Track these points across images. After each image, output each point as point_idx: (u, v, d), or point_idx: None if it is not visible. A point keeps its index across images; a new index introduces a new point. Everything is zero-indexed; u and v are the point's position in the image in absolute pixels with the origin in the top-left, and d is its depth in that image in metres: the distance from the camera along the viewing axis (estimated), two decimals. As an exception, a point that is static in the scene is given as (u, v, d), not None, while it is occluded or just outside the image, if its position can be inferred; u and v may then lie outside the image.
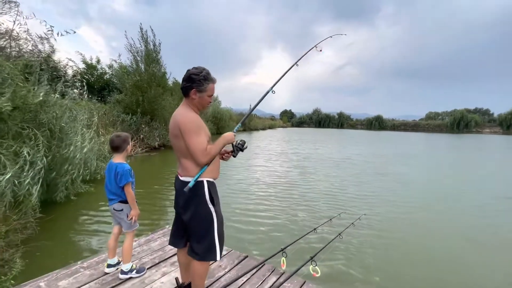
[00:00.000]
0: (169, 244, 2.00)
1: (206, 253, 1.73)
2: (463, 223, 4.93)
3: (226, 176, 8.40)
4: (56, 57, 13.31)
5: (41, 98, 5.11)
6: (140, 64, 15.13)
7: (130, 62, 15.20)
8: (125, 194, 2.24)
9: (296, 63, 2.14)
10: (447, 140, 31.09)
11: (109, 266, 2.34)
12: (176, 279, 2.04)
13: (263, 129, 47.31)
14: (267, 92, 1.98)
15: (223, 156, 1.92)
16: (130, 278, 2.25)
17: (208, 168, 1.70)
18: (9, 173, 3.46)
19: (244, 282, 2.26)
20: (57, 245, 3.62)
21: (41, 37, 6.51)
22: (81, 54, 18.31)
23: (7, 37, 5.73)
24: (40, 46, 8.18)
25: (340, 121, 77.70)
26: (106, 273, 2.31)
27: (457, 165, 12.81)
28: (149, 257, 2.62)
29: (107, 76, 19.64)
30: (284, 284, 2.20)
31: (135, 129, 14.09)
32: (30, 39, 6.43)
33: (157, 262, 2.54)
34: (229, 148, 1.86)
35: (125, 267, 2.25)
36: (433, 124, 66.52)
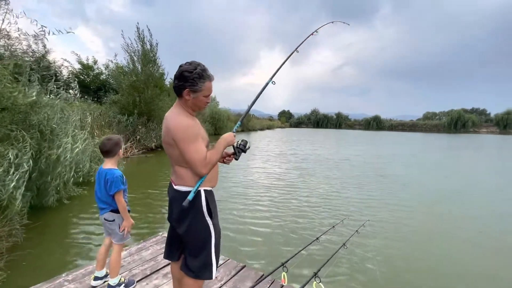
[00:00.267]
0: (164, 257, 1.83)
1: (201, 271, 1.56)
2: (469, 228, 4.78)
3: (222, 178, 8.22)
4: (51, 57, 13.14)
5: (32, 99, 4.94)
6: (137, 65, 14.94)
7: (126, 62, 15.00)
8: (116, 203, 2.07)
9: (296, 49, 2.00)
10: (445, 140, 31.11)
11: (96, 278, 2.18)
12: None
13: (261, 129, 47.16)
14: (267, 83, 1.83)
15: (224, 160, 1.74)
16: (118, 292, 2.09)
17: (207, 176, 1.53)
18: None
19: (241, 296, 2.11)
20: (43, 254, 3.43)
21: (34, 36, 6.31)
22: (76, 54, 18.09)
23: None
24: (34, 46, 7.97)
25: (338, 122, 77.70)
26: (93, 287, 2.14)
27: (456, 166, 12.73)
28: (140, 268, 2.46)
29: (103, 76, 19.41)
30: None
31: (132, 130, 13.90)
32: (24, 39, 6.23)
33: (148, 273, 2.37)
34: (229, 150, 1.69)
35: (113, 281, 2.08)
36: (430, 124, 66.72)
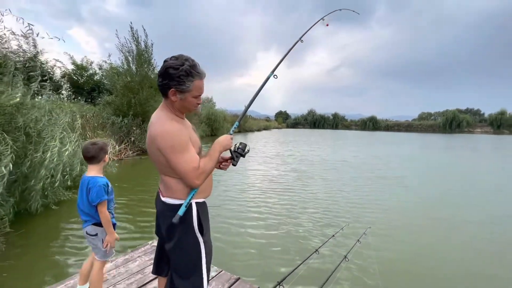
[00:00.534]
0: (152, 272, 1.65)
1: None
2: (473, 232, 4.63)
3: (214, 181, 8.01)
4: (43, 58, 12.86)
5: (16, 100, 4.73)
6: (132, 65, 14.70)
7: (121, 62, 14.75)
8: (99, 215, 1.87)
9: (300, 38, 1.83)
10: (441, 140, 31.25)
11: (77, 295, 2.00)
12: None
13: (258, 130, 47.00)
14: (269, 77, 1.66)
15: (221, 166, 1.56)
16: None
17: (200, 187, 1.36)
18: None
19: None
20: (25, 265, 3.20)
21: (23, 36, 6.09)
22: (69, 54, 17.78)
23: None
24: (25, 46, 7.73)
25: (335, 122, 77.96)
26: (73, 305, 1.96)
27: (457, 166, 12.68)
28: (126, 282, 2.28)
29: (97, 77, 19.12)
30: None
31: (126, 131, 13.65)
32: (13, 38, 6.02)
33: (134, 288, 2.20)
34: (226, 154, 1.51)
35: (93, 299, 1.90)
36: (426, 124, 67.22)
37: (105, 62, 17.03)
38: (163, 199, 1.39)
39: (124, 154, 12.51)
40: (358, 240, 2.53)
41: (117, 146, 12.26)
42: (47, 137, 4.73)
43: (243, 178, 8.60)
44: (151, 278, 2.33)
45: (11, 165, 3.58)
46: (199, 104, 1.37)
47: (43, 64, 13.23)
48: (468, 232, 4.67)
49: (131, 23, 14.33)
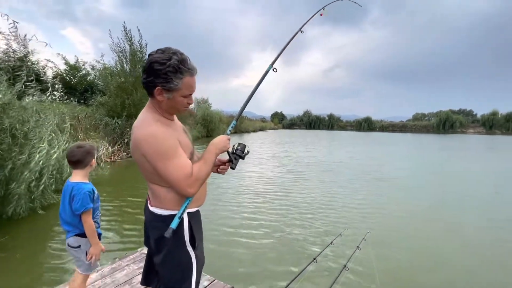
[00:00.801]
0: (141, 283, 1.52)
1: None
2: (473, 236, 4.56)
3: (209, 184, 7.87)
4: (34, 58, 12.57)
5: (2, 101, 4.55)
6: (125, 65, 14.48)
7: (114, 62, 14.53)
8: (83, 225, 1.72)
9: (300, 29, 1.74)
10: (436, 141, 31.52)
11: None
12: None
13: (254, 131, 46.88)
14: (268, 70, 1.54)
15: (218, 169, 1.42)
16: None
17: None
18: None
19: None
20: (5, 276, 3.02)
21: (14, 36, 5.91)
22: (62, 55, 17.46)
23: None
24: (14, 46, 7.50)
25: (330, 123, 78.29)
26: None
27: (454, 166, 12.72)
28: (112, 294, 2.15)
29: (90, 77, 18.81)
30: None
31: (120, 133, 13.43)
32: (1, 38, 5.83)
33: (121, 301, 2.06)
34: (224, 156, 1.38)
35: (75, 315, 1.76)
36: (420, 125, 68.04)
37: (98, 62, 16.76)
38: (151, 208, 1.26)
39: (117, 156, 12.30)
40: (358, 247, 2.43)
41: (110, 148, 12.04)
42: (35, 139, 4.54)
43: (237, 181, 8.41)
44: (139, 289, 2.19)
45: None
46: (190, 104, 1.23)
47: (33, 64, 12.94)
48: (469, 235, 4.60)
49: (124, 22, 14.14)
